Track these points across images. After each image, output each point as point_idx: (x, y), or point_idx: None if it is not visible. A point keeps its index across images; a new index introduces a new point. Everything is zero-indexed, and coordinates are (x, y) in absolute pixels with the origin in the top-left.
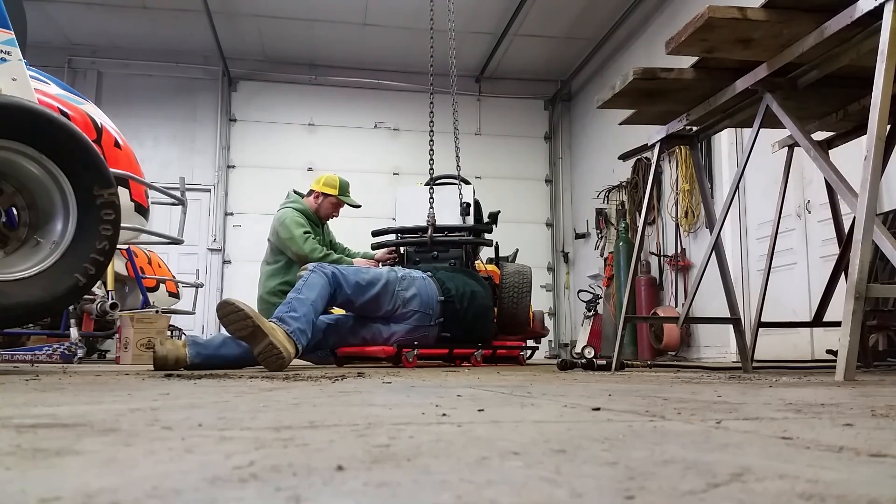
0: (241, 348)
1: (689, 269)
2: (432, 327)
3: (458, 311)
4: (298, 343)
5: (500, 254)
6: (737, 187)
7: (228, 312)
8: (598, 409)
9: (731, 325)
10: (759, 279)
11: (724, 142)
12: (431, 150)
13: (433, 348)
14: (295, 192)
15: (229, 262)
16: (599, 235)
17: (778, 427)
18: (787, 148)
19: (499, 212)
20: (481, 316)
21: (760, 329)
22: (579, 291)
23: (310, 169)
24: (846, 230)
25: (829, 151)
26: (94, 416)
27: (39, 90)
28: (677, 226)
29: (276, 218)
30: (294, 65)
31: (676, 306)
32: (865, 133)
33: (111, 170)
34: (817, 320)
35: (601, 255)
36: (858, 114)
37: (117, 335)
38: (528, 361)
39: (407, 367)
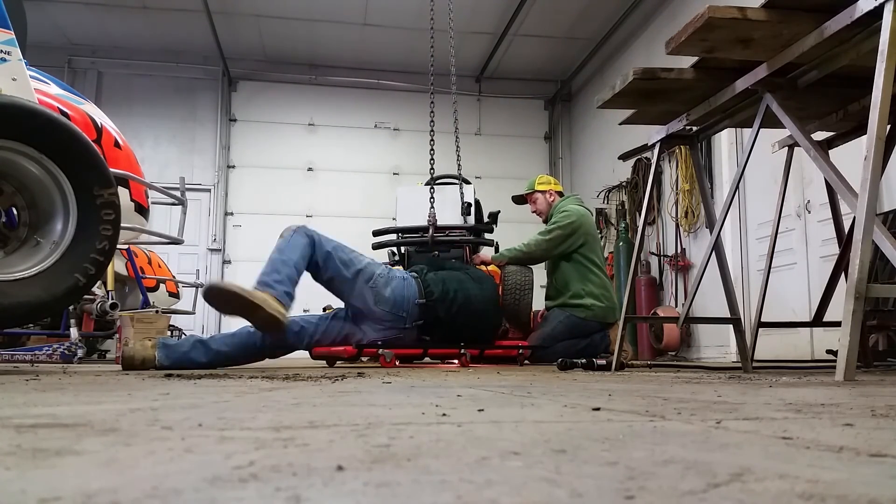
0: (210, 354)
1: (689, 269)
2: (407, 330)
3: (440, 314)
4: (287, 305)
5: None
6: (737, 187)
7: (216, 294)
8: (598, 409)
9: (731, 325)
10: (759, 279)
11: (724, 142)
12: (432, 150)
13: (407, 348)
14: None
15: (229, 262)
16: (599, 235)
17: (778, 427)
18: (787, 148)
19: (499, 212)
20: (474, 318)
21: (760, 329)
22: None
23: (310, 169)
24: (846, 230)
25: (829, 151)
26: (94, 416)
27: (39, 90)
28: (677, 226)
29: None
30: (294, 65)
31: (676, 306)
32: (865, 133)
33: (111, 170)
34: (817, 320)
35: None
36: (858, 114)
37: (117, 335)
38: (527, 361)
39: (385, 366)
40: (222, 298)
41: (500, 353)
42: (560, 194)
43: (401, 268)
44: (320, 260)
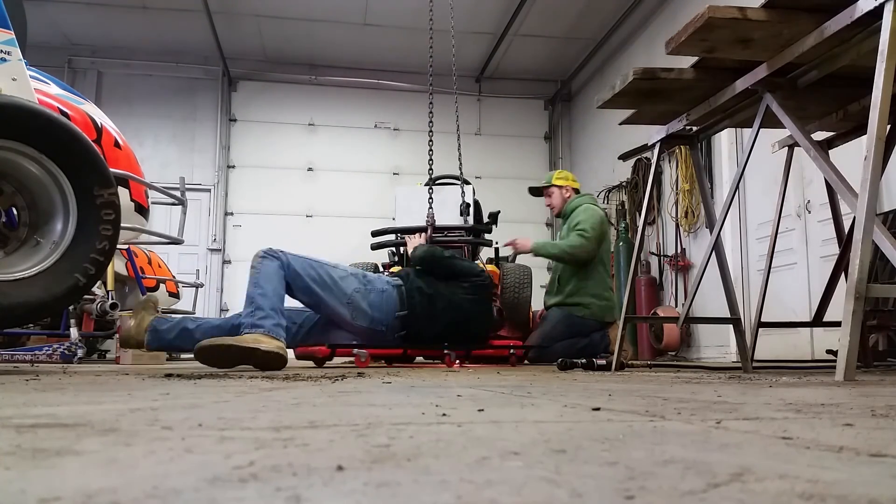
0: (194, 343)
1: (689, 269)
2: (389, 342)
3: (422, 325)
4: (280, 337)
5: (500, 254)
6: (737, 187)
7: (208, 353)
8: (598, 409)
9: (731, 325)
10: (759, 279)
11: (724, 142)
12: (431, 150)
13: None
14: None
15: (229, 262)
16: None
17: (778, 427)
18: (787, 148)
19: (499, 212)
20: (461, 327)
21: (760, 329)
22: None
23: (310, 169)
24: (846, 230)
25: (829, 151)
26: (94, 416)
27: (39, 90)
28: (677, 226)
29: None
30: (294, 65)
31: (676, 306)
32: (865, 133)
33: (111, 170)
34: (817, 320)
35: None
36: (858, 114)
37: (117, 335)
38: (526, 362)
39: (359, 366)
40: (216, 355)
41: (490, 352)
42: (576, 191)
43: (385, 273)
44: (289, 280)
